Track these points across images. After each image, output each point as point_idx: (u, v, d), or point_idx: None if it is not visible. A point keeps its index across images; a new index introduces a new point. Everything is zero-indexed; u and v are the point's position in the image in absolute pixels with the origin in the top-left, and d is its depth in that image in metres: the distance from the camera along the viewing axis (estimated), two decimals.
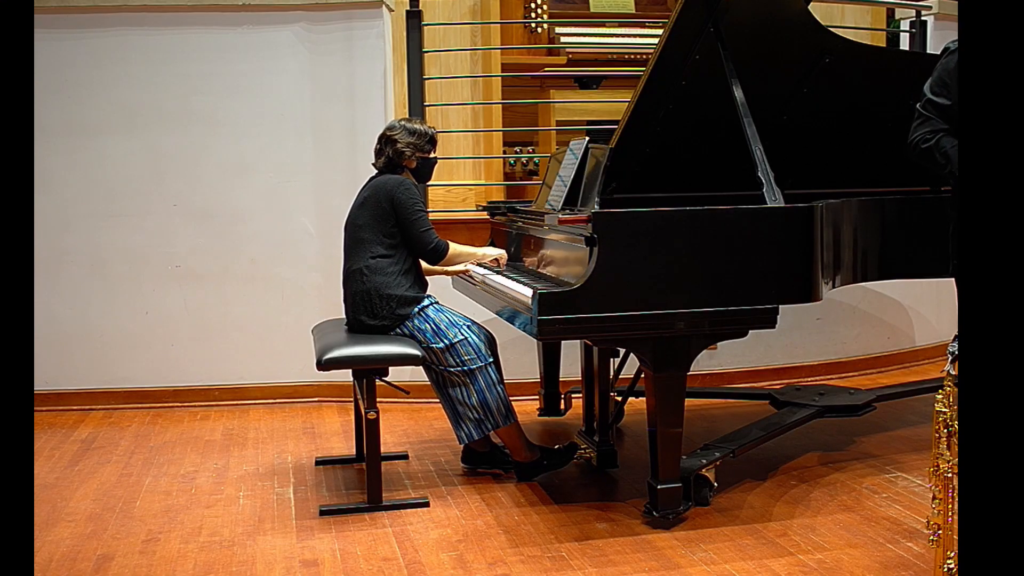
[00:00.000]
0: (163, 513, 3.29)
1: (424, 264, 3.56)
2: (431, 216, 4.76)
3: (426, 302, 3.45)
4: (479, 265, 3.71)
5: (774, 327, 3.02)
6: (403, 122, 3.58)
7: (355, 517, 3.22)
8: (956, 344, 2.24)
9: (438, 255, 3.47)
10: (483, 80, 5.41)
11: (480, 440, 3.49)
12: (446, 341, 3.36)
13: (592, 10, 5.95)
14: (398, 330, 3.41)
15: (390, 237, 3.43)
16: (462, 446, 3.61)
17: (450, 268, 3.69)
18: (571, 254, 3.14)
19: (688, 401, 3.10)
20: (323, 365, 3.24)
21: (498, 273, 3.56)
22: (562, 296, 2.84)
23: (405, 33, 4.82)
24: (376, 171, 3.59)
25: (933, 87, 2.87)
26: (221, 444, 4.12)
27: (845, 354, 5.20)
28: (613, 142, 3.36)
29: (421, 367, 3.40)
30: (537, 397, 4.35)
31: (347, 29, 4.68)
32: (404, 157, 3.52)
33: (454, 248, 3.54)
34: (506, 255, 3.69)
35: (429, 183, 4.87)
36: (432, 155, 3.60)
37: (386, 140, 3.55)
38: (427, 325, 3.39)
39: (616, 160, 3.30)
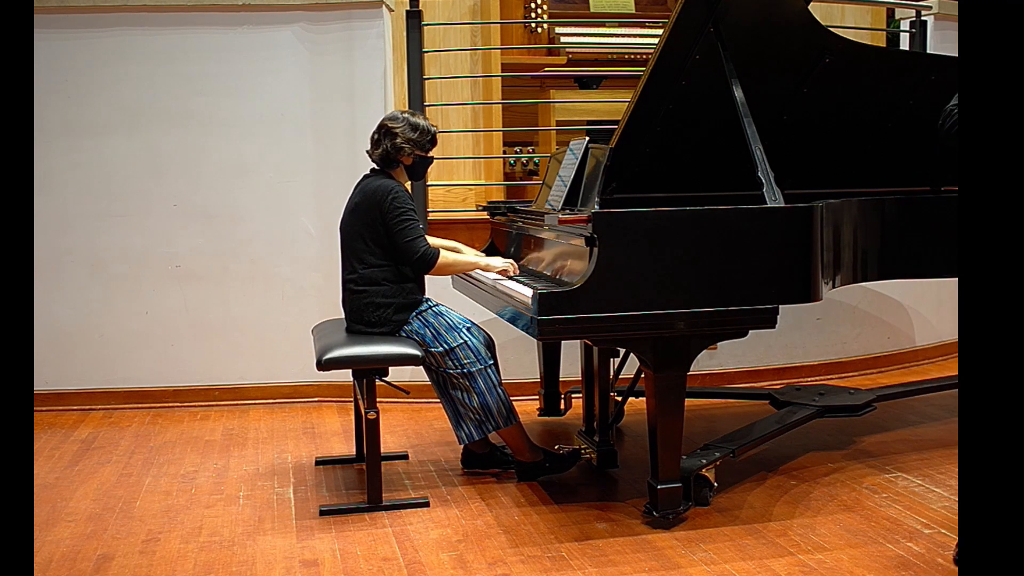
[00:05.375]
0: (163, 513, 3.29)
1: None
2: (430, 216, 4.78)
3: (424, 306, 3.43)
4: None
5: (774, 327, 3.02)
6: (406, 115, 3.46)
7: (355, 517, 3.22)
8: None
9: (426, 265, 3.36)
10: (483, 80, 5.41)
11: (479, 441, 3.49)
12: (446, 346, 3.35)
13: (592, 10, 5.95)
14: (398, 333, 3.39)
15: (380, 246, 3.37)
16: (462, 447, 3.61)
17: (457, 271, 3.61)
18: (571, 254, 3.14)
19: (688, 401, 3.10)
20: (323, 365, 3.23)
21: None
22: (562, 296, 2.83)
23: (405, 33, 4.81)
24: (371, 163, 3.50)
25: None
26: (221, 444, 4.12)
27: (845, 354, 5.20)
28: (613, 142, 3.35)
29: (421, 367, 3.40)
30: (537, 397, 4.35)
31: (347, 29, 4.68)
32: (402, 153, 3.42)
33: (447, 258, 3.42)
34: (516, 266, 3.52)
35: (429, 183, 4.88)
36: (430, 154, 3.52)
37: (386, 132, 3.43)
38: (427, 330, 3.37)
39: (616, 160, 3.30)
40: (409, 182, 3.57)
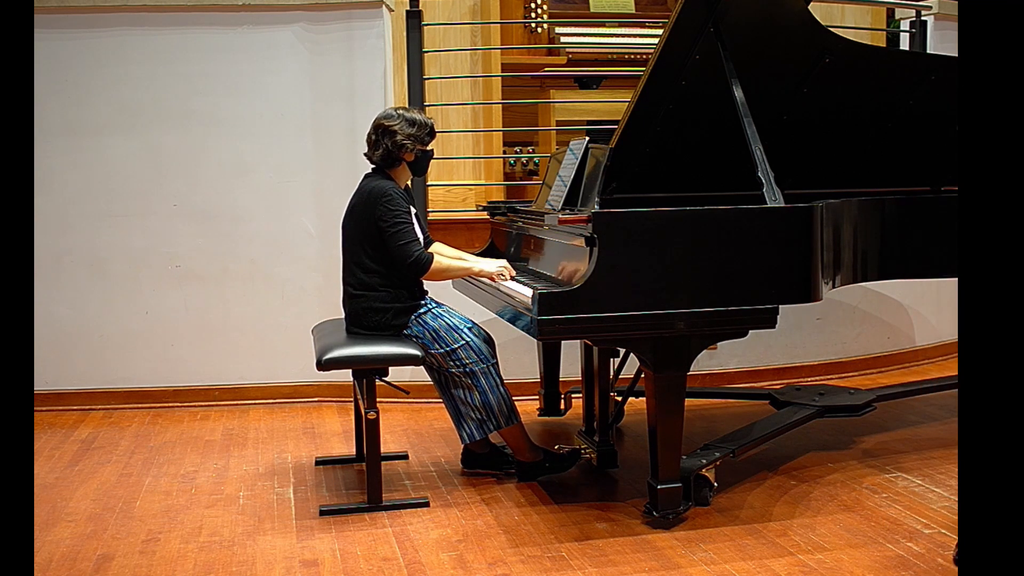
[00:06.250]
0: (163, 513, 3.29)
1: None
2: (431, 216, 4.78)
3: (423, 308, 3.42)
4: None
5: (774, 327, 3.02)
6: (401, 111, 3.43)
7: (355, 517, 3.22)
8: None
9: (419, 269, 3.32)
10: (483, 80, 5.41)
11: (479, 441, 3.49)
12: (447, 347, 3.35)
13: (592, 10, 5.96)
14: (398, 336, 3.38)
15: (377, 250, 3.35)
16: (462, 447, 3.61)
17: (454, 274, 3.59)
18: (571, 254, 3.14)
19: (688, 401, 3.10)
20: (323, 365, 3.23)
21: None
22: (562, 296, 2.84)
23: (405, 33, 4.82)
24: (371, 165, 3.48)
25: None
26: (221, 444, 4.12)
27: (845, 354, 5.20)
28: (613, 142, 3.35)
29: (422, 367, 3.39)
30: (537, 397, 4.35)
31: (347, 29, 4.68)
32: (405, 150, 3.40)
33: (441, 263, 3.38)
34: (511, 270, 3.48)
35: (429, 183, 4.88)
36: (430, 147, 3.50)
37: (383, 131, 3.39)
38: (427, 332, 3.36)
39: (616, 160, 3.30)
40: (410, 180, 3.56)
